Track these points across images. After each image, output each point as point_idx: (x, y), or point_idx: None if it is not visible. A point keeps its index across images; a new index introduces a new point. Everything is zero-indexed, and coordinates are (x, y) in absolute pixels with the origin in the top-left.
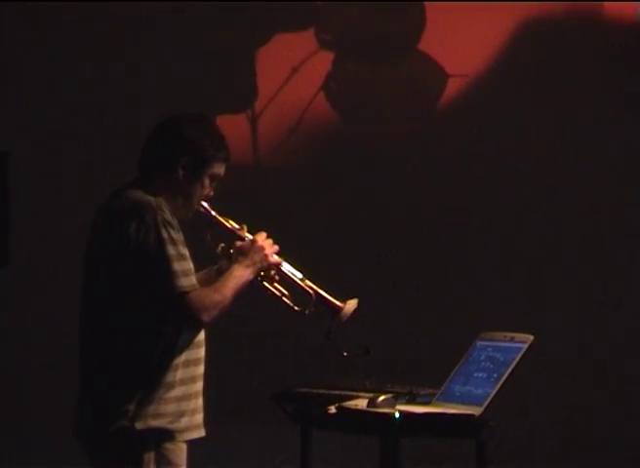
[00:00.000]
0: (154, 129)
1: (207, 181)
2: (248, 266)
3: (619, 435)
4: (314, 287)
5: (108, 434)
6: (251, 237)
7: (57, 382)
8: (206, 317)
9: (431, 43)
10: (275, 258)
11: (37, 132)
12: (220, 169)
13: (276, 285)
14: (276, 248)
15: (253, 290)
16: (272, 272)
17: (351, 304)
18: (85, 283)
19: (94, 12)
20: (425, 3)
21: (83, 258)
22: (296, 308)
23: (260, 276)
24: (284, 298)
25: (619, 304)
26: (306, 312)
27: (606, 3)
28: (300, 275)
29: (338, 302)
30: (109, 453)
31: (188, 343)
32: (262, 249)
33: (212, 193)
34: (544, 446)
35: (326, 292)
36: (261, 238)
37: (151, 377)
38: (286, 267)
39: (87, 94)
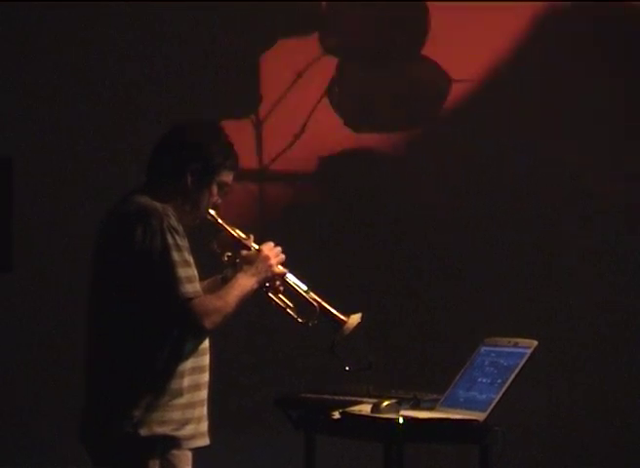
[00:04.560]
0: (164, 134)
1: (215, 189)
2: (253, 275)
3: (619, 436)
4: (318, 299)
5: (113, 440)
6: (257, 247)
7: (60, 387)
8: (208, 323)
9: (435, 47)
10: (280, 269)
11: (40, 137)
12: (228, 177)
13: (281, 296)
14: (282, 258)
15: (259, 298)
16: (277, 283)
17: (355, 318)
18: (91, 288)
19: (96, 16)
20: (429, 7)
21: (89, 263)
22: (299, 320)
23: (265, 287)
24: (288, 310)
25: (619, 308)
26: (310, 324)
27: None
28: (304, 287)
29: (341, 316)
30: (114, 460)
31: (194, 350)
32: (268, 258)
33: (219, 201)
34: (545, 448)
35: (330, 305)
36: (268, 248)
37: (158, 384)
38: (291, 278)
39: (90, 99)
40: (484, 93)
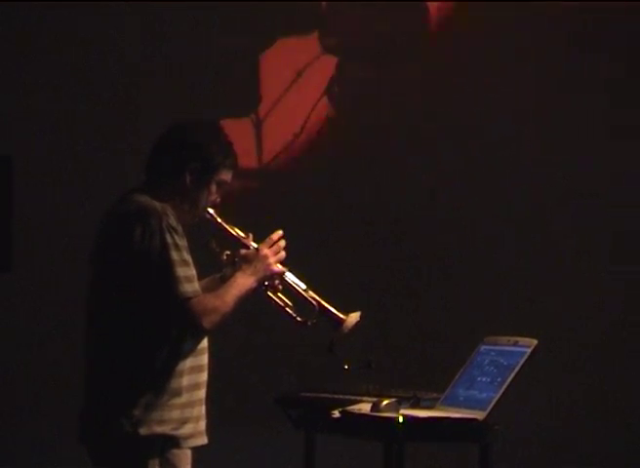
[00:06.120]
0: (162, 134)
1: (214, 188)
2: (251, 274)
3: (619, 436)
4: (317, 298)
5: (113, 440)
6: (256, 246)
7: (60, 387)
8: (206, 323)
9: (435, 46)
10: (279, 268)
11: (40, 136)
12: (227, 175)
13: (280, 295)
14: (281, 256)
15: (258, 297)
16: (276, 282)
17: (354, 317)
18: (90, 287)
19: (96, 15)
20: (429, 7)
21: (88, 262)
22: (298, 319)
23: (264, 286)
24: (287, 309)
25: (620, 307)
26: (309, 323)
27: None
28: (303, 286)
29: (340, 315)
30: (114, 459)
31: (193, 350)
32: (267, 257)
33: (218, 200)
34: (545, 448)
35: (329, 303)
36: (266, 246)
37: (157, 383)
38: (290, 277)
39: (90, 99)
40: (484, 92)
